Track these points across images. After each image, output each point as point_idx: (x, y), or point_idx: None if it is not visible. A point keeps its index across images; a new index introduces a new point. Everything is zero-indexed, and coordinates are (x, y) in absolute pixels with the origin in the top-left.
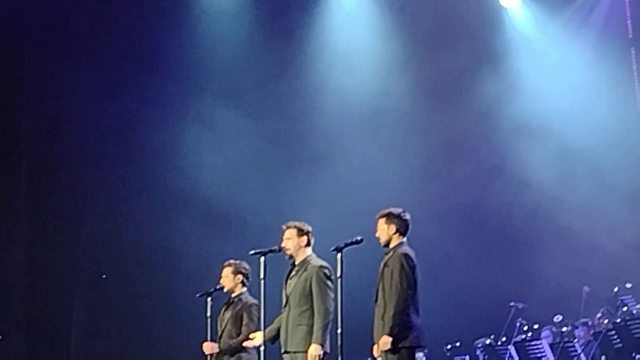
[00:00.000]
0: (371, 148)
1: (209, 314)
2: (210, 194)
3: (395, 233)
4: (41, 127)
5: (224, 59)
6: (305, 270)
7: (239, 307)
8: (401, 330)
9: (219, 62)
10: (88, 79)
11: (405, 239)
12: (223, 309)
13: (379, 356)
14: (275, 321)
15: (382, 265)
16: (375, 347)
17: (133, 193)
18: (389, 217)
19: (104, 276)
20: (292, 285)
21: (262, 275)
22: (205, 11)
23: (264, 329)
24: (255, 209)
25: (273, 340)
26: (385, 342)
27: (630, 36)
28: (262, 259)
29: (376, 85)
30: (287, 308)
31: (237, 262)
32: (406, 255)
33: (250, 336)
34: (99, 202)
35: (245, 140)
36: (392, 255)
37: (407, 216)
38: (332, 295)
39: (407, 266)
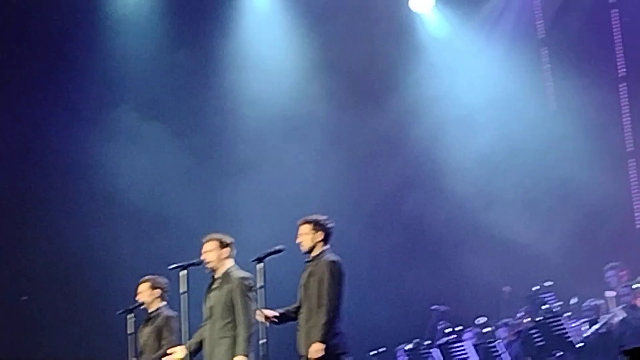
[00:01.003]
0: (293, 155)
1: (130, 331)
2: (133, 207)
3: (320, 240)
4: None
5: (139, 70)
6: (227, 282)
7: (158, 321)
8: (331, 336)
9: (135, 74)
10: (3, 92)
11: (328, 246)
12: (142, 325)
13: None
14: (196, 335)
15: (306, 273)
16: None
17: (53, 207)
18: (315, 224)
19: (24, 298)
20: (214, 298)
21: (182, 289)
22: (119, 22)
23: (186, 342)
24: (181, 222)
25: (194, 353)
26: (317, 349)
27: (541, 37)
28: (183, 272)
29: (293, 91)
30: (209, 321)
31: (154, 277)
32: (337, 263)
33: (169, 351)
34: (16, 218)
35: (167, 151)
36: (318, 263)
37: (332, 224)
38: (255, 306)
39: (338, 273)
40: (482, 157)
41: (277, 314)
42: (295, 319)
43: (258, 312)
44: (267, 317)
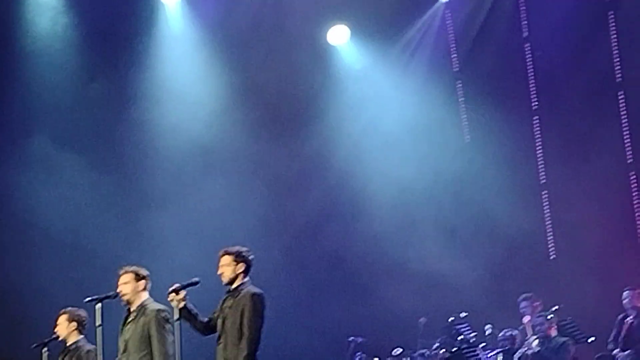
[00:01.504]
0: (212, 186)
1: None
2: (51, 237)
3: (242, 272)
4: None
5: (55, 100)
6: (143, 314)
7: (75, 355)
8: None
9: (51, 104)
10: None
11: (249, 278)
12: (60, 359)
13: None
14: None
15: (226, 304)
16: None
17: None
18: (237, 255)
19: None
20: (130, 331)
21: (98, 322)
22: (34, 53)
23: None
24: (99, 253)
25: None
26: None
27: (456, 70)
28: (98, 305)
29: (211, 121)
30: (125, 355)
31: (73, 309)
32: (259, 296)
33: None
34: None
35: (84, 182)
36: (240, 295)
37: (252, 255)
38: (172, 338)
39: (260, 306)
40: (400, 188)
41: (189, 306)
42: (196, 328)
43: (173, 292)
44: (180, 299)
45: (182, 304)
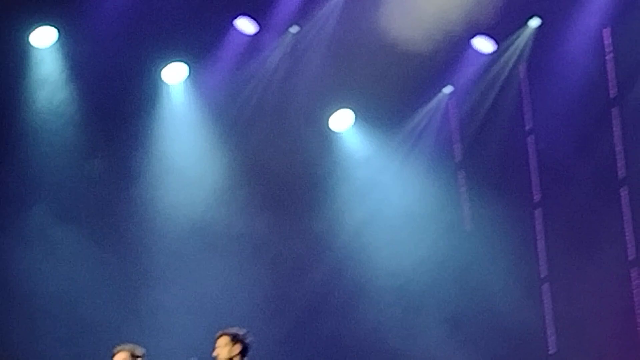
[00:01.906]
0: (212, 265)
1: None
2: (49, 312)
3: (237, 354)
4: None
5: (54, 173)
6: None
7: None
8: None
9: (50, 177)
10: None
11: None
12: None
13: None
14: None
15: None
16: None
17: None
18: (234, 337)
19: None
20: None
21: None
22: (34, 129)
23: None
24: (98, 330)
25: None
26: None
27: (458, 159)
28: None
29: (211, 201)
30: None
31: None
32: None
33: None
34: None
35: (83, 257)
36: None
37: (250, 338)
38: None
39: None
40: (402, 276)
41: None
42: None
43: None
44: None
45: None
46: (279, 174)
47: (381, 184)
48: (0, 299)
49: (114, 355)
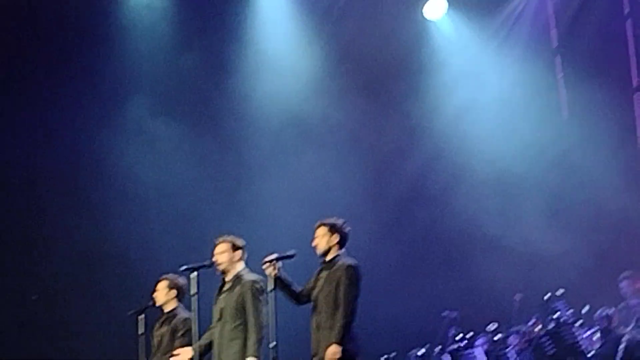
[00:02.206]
0: (309, 157)
1: (140, 331)
2: (147, 205)
3: (336, 243)
4: None
5: (150, 68)
6: (238, 285)
7: (174, 321)
8: (347, 340)
9: (146, 72)
10: (15, 88)
11: (344, 250)
12: (158, 325)
13: None
14: (205, 336)
15: (322, 275)
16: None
17: (65, 203)
18: (332, 227)
19: (34, 297)
20: (225, 301)
21: (193, 291)
22: (131, 24)
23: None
24: (195, 222)
25: (203, 355)
26: (334, 352)
27: (555, 45)
28: (194, 274)
29: (307, 93)
30: (220, 323)
31: (173, 277)
32: (354, 267)
33: (176, 352)
34: (29, 223)
35: (181, 151)
36: (335, 266)
37: (348, 228)
38: (266, 309)
39: (356, 278)
40: (498, 165)
41: (283, 276)
42: (291, 298)
43: (268, 263)
44: (274, 270)
45: (276, 274)
46: (374, 63)
47: (477, 71)
48: (103, 191)
49: (215, 245)
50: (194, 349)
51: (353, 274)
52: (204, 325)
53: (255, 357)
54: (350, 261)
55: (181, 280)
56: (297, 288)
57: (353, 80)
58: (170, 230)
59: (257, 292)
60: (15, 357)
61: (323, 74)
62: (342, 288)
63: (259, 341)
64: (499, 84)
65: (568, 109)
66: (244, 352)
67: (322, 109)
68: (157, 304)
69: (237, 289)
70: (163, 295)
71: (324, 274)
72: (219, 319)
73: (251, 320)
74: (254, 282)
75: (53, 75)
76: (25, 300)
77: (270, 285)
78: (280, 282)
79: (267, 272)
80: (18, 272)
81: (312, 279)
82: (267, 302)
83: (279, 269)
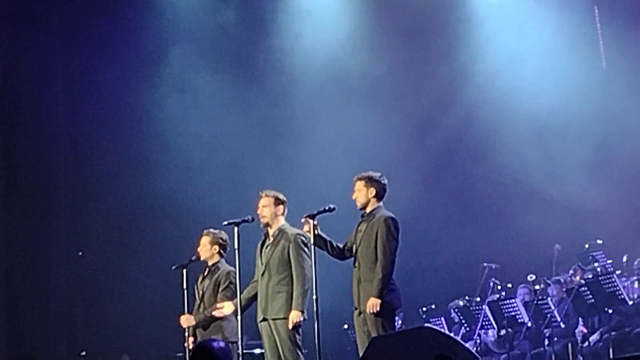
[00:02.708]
0: (348, 114)
1: (184, 286)
2: (191, 160)
3: (374, 196)
4: (9, 107)
5: (188, 24)
6: (282, 238)
7: (216, 275)
8: (387, 292)
9: (185, 28)
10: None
11: (382, 203)
12: (200, 278)
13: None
14: (246, 290)
15: (361, 228)
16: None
17: (109, 166)
18: (369, 180)
19: (80, 253)
20: (269, 254)
21: (236, 245)
22: None
23: (237, 298)
24: (237, 178)
25: (245, 309)
26: (374, 303)
27: None
28: (236, 229)
29: (345, 45)
30: (265, 276)
31: (216, 231)
32: (393, 219)
33: (218, 305)
34: (73, 179)
35: (221, 105)
36: (373, 219)
37: (385, 180)
38: (310, 262)
39: (394, 229)
40: (538, 118)
41: (321, 233)
42: (330, 254)
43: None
44: (314, 226)
45: (315, 232)
46: (415, 16)
47: (515, 25)
48: (153, 142)
49: (260, 198)
50: (234, 304)
51: (391, 226)
52: (246, 278)
53: (300, 310)
54: (388, 214)
55: (223, 236)
56: (338, 244)
57: (394, 33)
58: (213, 184)
59: (302, 244)
60: (60, 311)
61: (363, 27)
62: (380, 241)
63: (305, 293)
64: (538, 36)
65: (606, 60)
66: (289, 304)
67: (362, 62)
68: (201, 258)
69: (282, 242)
70: (207, 250)
71: (363, 226)
72: (263, 273)
73: (297, 272)
74: (298, 234)
75: (95, 29)
76: (72, 255)
77: (311, 239)
78: (318, 239)
79: (305, 228)
80: (63, 228)
81: (353, 233)
82: (310, 256)
83: (315, 226)
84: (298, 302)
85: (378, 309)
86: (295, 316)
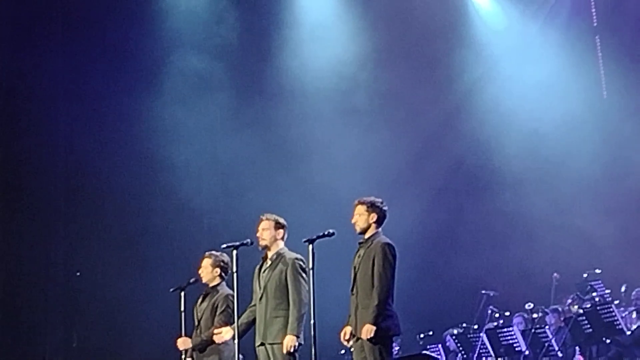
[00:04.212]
0: (347, 137)
1: (182, 308)
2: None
3: (374, 222)
4: (8, 120)
5: (192, 43)
6: (280, 262)
7: (215, 298)
8: (383, 318)
9: (188, 46)
10: (57, 71)
11: (380, 229)
12: (200, 300)
13: (352, 345)
14: (244, 315)
15: (360, 254)
16: (343, 333)
17: (109, 186)
18: (371, 205)
19: (78, 273)
20: (267, 278)
21: (234, 269)
22: None
23: (235, 322)
24: (244, 199)
25: (243, 334)
26: (369, 330)
27: (595, 24)
28: (235, 252)
29: (351, 69)
30: (262, 300)
31: (217, 254)
32: (390, 245)
33: (216, 331)
34: (73, 199)
35: (223, 122)
36: (371, 245)
37: (386, 207)
38: (307, 286)
39: (391, 256)
40: (538, 143)
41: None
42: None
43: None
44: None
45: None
46: (421, 39)
47: (517, 51)
48: (154, 163)
49: (260, 221)
50: (233, 328)
51: (388, 253)
52: (244, 302)
53: (296, 335)
54: (385, 240)
55: (224, 258)
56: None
57: (397, 54)
58: (213, 207)
59: (299, 269)
60: (57, 331)
61: (362, 54)
62: (377, 267)
63: (301, 318)
64: (539, 62)
65: (606, 88)
66: (286, 329)
67: (365, 82)
68: (203, 281)
69: (279, 266)
70: (208, 272)
71: (361, 252)
72: (261, 297)
73: (293, 297)
74: (296, 259)
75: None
76: (70, 276)
77: (310, 264)
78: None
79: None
80: (62, 247)
81: (353, 259)
82: (307, 280)
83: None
84: (293, 326)
85: (372, 335)
86: (289, 341)
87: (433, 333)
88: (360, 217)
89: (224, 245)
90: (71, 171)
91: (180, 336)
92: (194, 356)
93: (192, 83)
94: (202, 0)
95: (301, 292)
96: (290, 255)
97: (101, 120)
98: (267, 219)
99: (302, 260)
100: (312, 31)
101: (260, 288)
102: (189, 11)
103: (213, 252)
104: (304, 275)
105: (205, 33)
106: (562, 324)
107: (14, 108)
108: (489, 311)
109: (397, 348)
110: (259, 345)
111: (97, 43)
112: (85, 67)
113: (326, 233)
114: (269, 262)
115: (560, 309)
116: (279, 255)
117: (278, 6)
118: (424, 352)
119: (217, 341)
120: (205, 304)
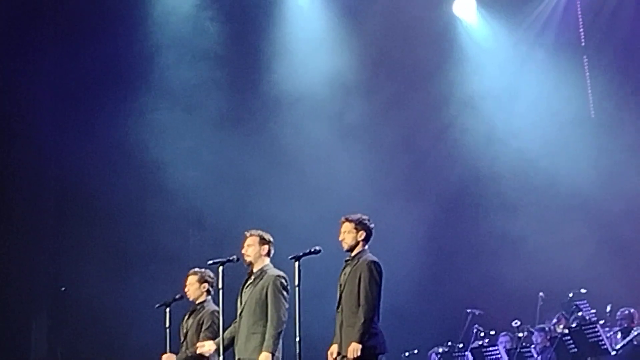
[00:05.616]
0: (338, 151)
1: (167, 324)
2: (178, 202)
3: (362, 240)
4: None
5: (179, 63)
6: (261, 279)
7: (200, 314)
8: (369, 337)
9: (174, 67)
10: (47, 82)
11: (367, 247)
12: (186, 317)
13: None
14: (228, 331)
15: (345, 272)
16: (330, 353)
17: (96, 203)
18: (359, 223)
19: (63, 289)
20: (248, 294)
21: (220, 285)
22: (160, 19)
23: (219, 338)
24: (219, 216)
25: (226, 349)
26: (355, 349)
27: (583, 44)
28: (220, 268)
29: (334, 87)
30: (243, 315)
31: (203, 270)
32: (376, 263)
33: (199, 344)
34: (58, 214)
35: (208, 141)
36: (358, 262)
37: (373, 224)
38: (287, 305)
39: (377, 274)
40: (524, 162)
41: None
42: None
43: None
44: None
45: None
46: (411, 60)
47: (505, 71)
48: (142, 182)
49: (245, 239)
50: (216, 343)
51: (374, 270)
52: (230, 318)
53: (271, 352)
54: (371, 258)
55: (210, 273)
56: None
57: (379, 76)
58: (197, 225)
59: (280, 287)
60: (41, 347)
61: (349, 68)
62: (363, 285)
63: (277, 335)
64: (527, 82)
65: (594, 108)
66: (262, 347)
67: (349, 103)
68: (190, 299)
69: (261, 283)
70: (195, 288)
71: (348, 269)
72: (241, 312)
73: (271, 314)
74: (278, 277)
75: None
76: (55, 292)
77: (296, 281)
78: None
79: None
80: (47, 263)
81: (339, 276)
82: (288, 299)
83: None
84: (269, 343)
85: (359, 354)
86: (264, 358)
87: (418, 351)
88: (349, 235)
89: (210, 262)
90: (59, 185)
91: (165, 352)
92: None
93: (184, 93)
94: (192, 6)
95: (280, 309)
96: (273, 272)
97: (91, 140)
98: (251, 235)
99: (284, 277)
100: (304, 44)
101: (241, 303)
102: (179, 18)
103: (196, 268)
104: (284, 293)
105: (195, 39)
106: (548, 344)
107: (1, 115)
108: (475, 330)
109: None
110: None
111: (87, 49)
112: (75, 74)
113: (312, 250)
114: (252, 278)
115: (546, 328)
116: (263, 271)
117: (267, 20)
118: None
119: (198, 352)
120: (191, 320)
